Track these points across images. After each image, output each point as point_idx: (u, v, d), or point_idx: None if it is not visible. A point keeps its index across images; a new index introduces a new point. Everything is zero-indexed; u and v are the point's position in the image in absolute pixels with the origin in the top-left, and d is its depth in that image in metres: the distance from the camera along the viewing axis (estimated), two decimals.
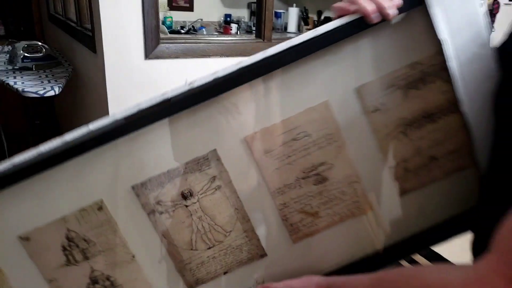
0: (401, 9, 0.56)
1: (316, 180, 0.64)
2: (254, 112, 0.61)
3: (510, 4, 2.88)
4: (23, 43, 1.99)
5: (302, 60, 0.58)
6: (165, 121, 0.59)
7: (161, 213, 0.63)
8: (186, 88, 0.57)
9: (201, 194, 0.63)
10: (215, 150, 0.61)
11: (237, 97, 0.60)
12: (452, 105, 0.60)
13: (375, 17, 0.56)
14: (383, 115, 0.61)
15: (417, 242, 0.66)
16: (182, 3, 4.27)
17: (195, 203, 0.63)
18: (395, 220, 0.66)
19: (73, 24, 2.20)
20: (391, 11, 0.56)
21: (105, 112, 1.68)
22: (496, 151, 0.54)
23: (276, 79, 0.60)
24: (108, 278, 0.64)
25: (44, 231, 0.61)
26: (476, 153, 0.60)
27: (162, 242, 0.64)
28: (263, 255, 0.67)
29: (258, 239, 0.66)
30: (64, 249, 0.62)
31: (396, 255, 0.67)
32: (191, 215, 0.64)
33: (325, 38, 0.57)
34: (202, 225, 0.64)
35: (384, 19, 0.56)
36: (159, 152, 0.61)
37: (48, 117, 2.31)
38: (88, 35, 1.79)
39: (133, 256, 0.64)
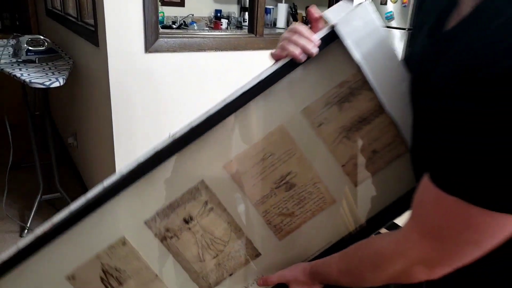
0: (321, 46, 0.71)
1: (286, 187, 0.79)
2: (228, 144, 0.77)
3: None
4: (27, 37, 2.08)
5: (256, 98, 0.73)
6: (160, 167, 0.75)
7: (171, 238, 0.80)
8: (171, 139, 0.74)
9: (198, 217, 0.80)
10: (203, 180, 0.78)
11: (212, 135, 0.75)
12: (379, 107, 0.74)
13: (302, 57, 0.71)
14: (327, 127, 0.76)
15: (377, 222, 0.81)
16: None
17: (195, 225, 0.80)
18: (357, 205, 0.81)
19: (73, 19, 2.30)
20: (314, 50, 0.71)
21: (107, 102, 1.78)
22: (413, 138, 0.67)
23: (240, 115, 0.75)
24: None
25: (84, 268, 0.79)
26: (406, 142, 0.75)
27: (176, 260, 0.82)
28: (258, 254, 0.83)
29: (252, 243, 0.82)
30: (102, 280, 0.80)
31: (363, 234, 0.81)
32: (195, 234, 0.80)
33: (269, 79, 0.72)
34: (204, 240, 0.81)
35: (310, 56, 0.71)
36: (160, 190, 0.78)
37: (45, 108, 2.40)
38: (90, 30, 1.89)
39: (156, 275, 0.82)
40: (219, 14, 4.51)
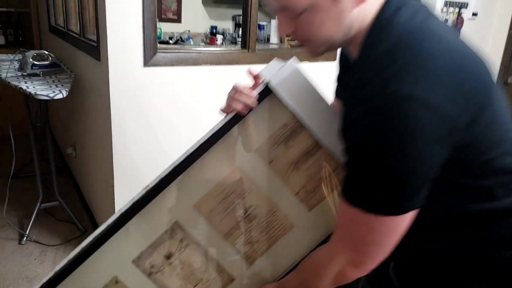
0: (260, 99, 0.85)
1: (249, 219, 0.92)
2: (194, 187, 0.90)
3: (473, 19, 3.18)
4: (32, 52, 2.18)
5: (212, 147, 0.86)
6: (139, 214, 0.88)
7: (156, 273, 0.93)
8: (144, 191, 0.87)
9: (177, 252, 0.92)
10: (176, 221, 0.91)
11: (180, 181, 0.88)
12: (318, 142, 0.87)
13: (244, 111, 0.85)
14: (277, 162, 0.89)
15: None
16: (170, 15, 4.50)
17: (175, 259, 0.93)
18: (312, 228, 0.94)
19: (75, 35, 2.41)
20: (253, 104, 0.85)
21: (107, 113, 1.88)
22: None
23: (201, 162, 0.87)
24: None
25: None
26: None
27: None
28: (232, 279, 0.95)
29: (225, 270, 0.95)
30: None
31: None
32: (176, 268, 0.93)
33: (222, 131, 0.86)
34: (184, 272, 0.93)
35: (251, 109, 0.85)
36: (142, 233, 0.91)
37: (46, 120, 2.49)
38: (92, 45, 2.00)
39: None
40: (214, 30, 4.65)
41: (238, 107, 0.84)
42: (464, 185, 0.69)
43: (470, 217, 0.71)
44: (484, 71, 0.68)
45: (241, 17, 4.77)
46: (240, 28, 4.66)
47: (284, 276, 0.94)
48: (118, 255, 0.92)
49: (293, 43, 4.08)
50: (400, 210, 0.66)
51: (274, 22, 4.21)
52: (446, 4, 2.92)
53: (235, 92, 0.86)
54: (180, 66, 1.95)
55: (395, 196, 0.65)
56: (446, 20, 2.98)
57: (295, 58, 0.85)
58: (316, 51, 0.75)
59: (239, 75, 2.10)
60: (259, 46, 2.14)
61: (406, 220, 0.67)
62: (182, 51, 1.95)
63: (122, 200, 2.02)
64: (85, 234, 2.36)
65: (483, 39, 3.35)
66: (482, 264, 0.73)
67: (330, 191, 0.91)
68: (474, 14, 3.14)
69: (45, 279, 0.88)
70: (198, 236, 0.92)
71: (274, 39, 4.37)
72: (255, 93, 0.85)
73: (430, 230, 0.74)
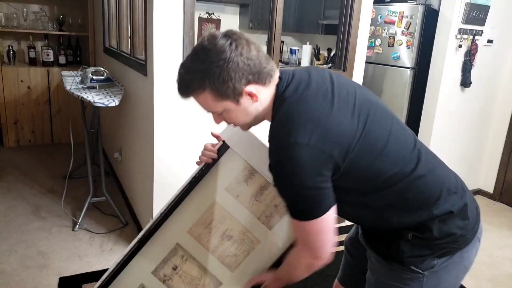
0: (221, 153, 1.19)
1: (228, 238, 1.25)
2: (187, 218, 1.25)
3: (489, 45, 3.37)
4: (92, 68, 2.62)
5: (193, 189, 1.22)
6: (152, 239, 1.26)
7: (168, 280, 1.29)
8: (152, 223, 1.24)
9: (180, 265, 1.28)
10: (177, 243, 1.27)
11: (176, 215, 1.25)
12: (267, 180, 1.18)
13: (210, 161, 1.22)
14: (243, 196, 1.21)
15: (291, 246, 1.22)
16: None
17: (180, 270, 1.28)
18: (273, 242, 1.24)
19: (126, 55, 2.83)
20: (215, 156, 1.22)
21: (151, 122, 2.24)
22: None
23: (188, 201, 1.25)
24: None
25: None
26: None
27: None
28: (220, 283, 1.28)
29: (215, 277, 1.27)
30: None
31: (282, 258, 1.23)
32: (180, 276, 1.28)
33: (198, 177, 1.22)
34: (187, 280, 1.28)
35: (215, 160, 1.21)
36: (156, 252, 1.28)
37: (98, 127, 2.91)
38: (140, 63, 2.39)
39: None
40: None
41: (204, 159, 1.22)
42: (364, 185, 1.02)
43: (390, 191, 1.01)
44: (346, 114, 0.98)
45: None
46: None
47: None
48: (142, 268, 1.30)
49: (321, 65, 4.38)
50: (319, 213, 0.97)
51: (305, 48, 4.55)
52: (460, 32, 3.14)
53: (204, 149, 1.23)
54: None
55: (309, 206, 0.96)
56: (460, 46, 3.18)
57: None
58: (243, 128, 1.10)
59: None
60: (292, 68, 2.45)
61: (329, 216, 0.98)
62: None
63: (159, 199, 2.35)
64: (126, 226, 2.72)
65: (500, 65, 3.51)
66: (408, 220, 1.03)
67: (281, 215, 1.24)
68: (490, 41, 3.32)
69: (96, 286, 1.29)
70: (193, 253, 1.28)
71: (305, 62, 4.69)
72: (216, 148, 1.22)
73: (365, 207, 1.04)
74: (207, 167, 1.22)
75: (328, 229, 0.99)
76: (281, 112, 0.97)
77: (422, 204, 1.01)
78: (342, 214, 1.04)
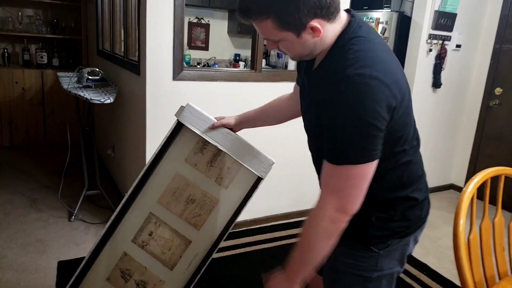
0: (176, 130, 1.40)
1: (192, 202, 1.46)
2: (156, 189, 1.46)
3: (458, 50, 3.63)
4: (88, 69, 2.80)
5: (159, 163, 1.44)
6: (129, 211, 1.51)
7: (146, 245, 1.51)
8: (126, 196, 1.46)
9: (154, 231, 1.49)
10: (150, 212, 1.47)
11: (146, 186, 1.48)
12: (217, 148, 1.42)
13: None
14: (200, 164, 1.45)
15: (244, 200, 1.47)
16: (199, 44, 5.16)
17: (155, 235, 1.49)
18: (230, 199, 1.47)
19: (119, 57, 3.02)
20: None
21: (143, 118, 2.43)
22: (317, 142, 1.09)
23: (156, 174, 1.46)
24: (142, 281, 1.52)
25: (114, 271, 1.53)
26: (239, 163, 1.43)
27: (151, 255, 1.51)
28: (190, 242, 1.49)
29: (185, 237, 1.48)
30: (122, 274, 1.52)
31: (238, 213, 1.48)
32: (156, 240, 1.49)
33: (160, 152, 1.43)
34: (161, 242, 1.49)
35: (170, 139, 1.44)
36: (135, 221, 1.50)
37: (92, 125, 3.09)
38: (133, 64, 2.59)
39: (145, 267, 1.52)
40: (238, 57, 5.25)
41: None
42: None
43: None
44: (403, 75, 0.99)
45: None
46: None
47: (222, 233, 1.49)
48: (123, 238, 1.49)
49: None
50: (365, 159, 0.91)
51: None
52: (430, 37, 3.40)
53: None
54: (201, 81, 2.50)
55: (359, 148, 0.90)
56: (430, 50, 3.45)
57: (190, 102, 1.42)
58: (293, 59, 1.07)
59: (247, 90, 2.64)
60: (267, 70, 2.66)
61: (373, 166, 0.93)
62: (202, 69, 2.50)
63: None
64: None
65: (468, 67, 3.78)
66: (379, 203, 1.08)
67: (233, 176, 1.44)
68: (458, 46, 3.59)
69: (90, 249, 1.50)
70: (164, 218, 1.47)
71: (291, 66, 4.92)
72: (171, 128, 1.42)
73: None
74: (166, 144, 1.42)
75: (366, 181, 0.94)
76: (353, 48, 0.94)
77: (406, 184, 1.08)
78: None
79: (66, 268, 2.28)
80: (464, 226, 1.23)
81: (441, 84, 3.55)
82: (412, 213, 1.11)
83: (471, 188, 1.26)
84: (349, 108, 0.88)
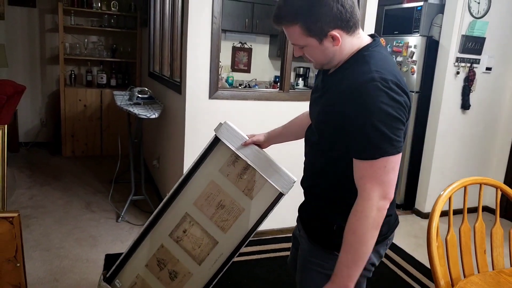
0: (214, 144, 1.61)
1: (222, 207, 1.64)
2: (192, 192, 1.65)
3: (488, 73, 3.71)
4: (138, 88, 3.22)
5: (197, 171, 1.65)
6: (167, 211, 1.73)
7: (180, 240, 1.70)
8: (165, 199, 1.72)
9: (188, 229, 1.69)
10: (186, 212, 1.67)
11: (185, 190, 1.70)
12: (247, 163, 1.60)
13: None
14: (231, 175, 1.60)
15: (267, 211, 1.62)
16: (241, 67, 5.54)
17: (188, 233, 1.69)
18: (255, 209, 1.61)
19: (166, 78, 3.42)
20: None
21: (182, 130, 2.77)
22: (337, 145, 1.15)
23: (193, 179, 1.67)
24: (174, 271, 1.73)
25: (151, 260, 1.77)
26: (263, 177, 1.59)
27: (184, 250, 1.71)
28: (217, 242, 1.68)
29: (213, 237, 1.68)
30: (158, 264, 1.75)
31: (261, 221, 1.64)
32: (189, 237, 1.69)
33: (198, 163, 1.64)
34: (194, 240, 1.69)
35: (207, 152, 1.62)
36: (171, 220, 1.72)
37: (141, 137, 3.49)
38: (177, 84, 2.95)
39: (177, 260, 1.72)
40: (277, 79, 5.56)
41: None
42: None
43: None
44: (408, 94, 1.08)
45: (301, 68, 5.66)
46: (300, 78, 5.55)
47: (244, 238, 1.63)
48: (162, 232, 1.71)
49: None
50: (398, 149, 1.03)
51: None
52: (457, 60, 3.52)
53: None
54: (234, 100, 2.81)
55: (393, 140, 1.01)
56: (458, 73, 3.56)
57: (228, 121, 1.60)
58: (316, 67, 1.20)
59: (275, 108, 2.91)
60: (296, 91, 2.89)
61: (400, 156, 1.05)
62: (235, 90, 2.81)
63: None
64: None
65: (500, 89, 3.83)
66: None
67: (259, 188, 1.59)
68: (488, 69, 3.67)
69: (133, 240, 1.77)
70: (197, 219, 1.66)
71: None
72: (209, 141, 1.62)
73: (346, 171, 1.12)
74: (204, 154, 1.63)
75: (397, 168, 1.06)
76: (375, 57, 1.09)
77: None
78: (323, 165, 1.19)
79: (112, 260, 2.62)
80: (438, 227, 1.41)
81: (469, 106, 3.63)
82: None
83: (447, 192, 1.44)
84: (381, 106, 1.00)
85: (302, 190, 1.34)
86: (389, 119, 1.00)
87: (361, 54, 1.11)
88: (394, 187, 1.06)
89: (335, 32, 1.07)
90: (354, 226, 1.05)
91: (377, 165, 1.02)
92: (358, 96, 1.03)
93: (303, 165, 1.35)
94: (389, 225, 1.23)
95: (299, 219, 1.39)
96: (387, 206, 1.05)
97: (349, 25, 1.08)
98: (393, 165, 1.03)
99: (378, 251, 1.23)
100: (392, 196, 1.05)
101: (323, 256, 1.22)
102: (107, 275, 1.78)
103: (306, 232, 1.30)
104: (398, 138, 1.03)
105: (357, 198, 1.06)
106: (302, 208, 1.37)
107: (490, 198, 4.03)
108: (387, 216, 1.16)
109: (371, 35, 1.18)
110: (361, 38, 1.14)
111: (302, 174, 1.36)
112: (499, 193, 1.59)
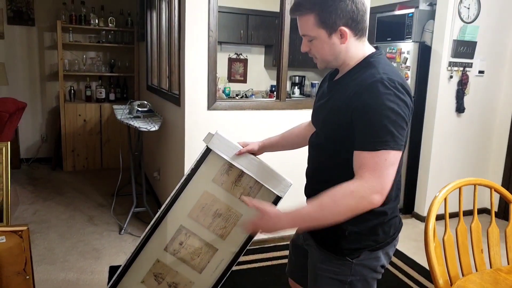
0: (205, 154, 1.62)
1: (218, 216, 1.63)
2: (187, 203, 1.63)
3: (481, 76, 3.77)
4: (137, 102, 3.28)
5: (190, 181, 1.64)
6: (162, 223, 1.70)
7: (177, 252, 1.68)
8: (161, 211, 1.70)
9: (185, 240, 1.67)
10: (181, 224, 1.65)
11: (178, 201, 1.68)
12: (241, 170, 1.61)
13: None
14: (225, 184, 1.59)
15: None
16: (238, 77, 5.61)
17: (185, 244, 1.67)
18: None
19: (164, 91, 3.48)
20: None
21: (182, 141, 2.82)
22: (344, 140, 1.16)
23: (186, 191, 1.65)
24: (173, 282, 1.73)
25: (148, 275, 1.73)
26: (260, 183, 1.59)
27: (182, 261, 1.69)
28: (216, 250, 1.68)
29: (212, 245, 1.68)
30: (155, 277, 1.74)
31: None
32: (186, 249, 1.68)
33: (189, 176, 1.64)
34: (191, 250, 1.68)
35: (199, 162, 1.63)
36: (167, 233, 1.67)
37: (141, 150, 3.53)
38: (175, 96, 3.01)
39: (176, 272, 1.72)
40: (273, 88, 5.62)
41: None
42: None
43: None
44: (411, 97, 1.14)
45: (296, 77, 5.73)
46: (296, 87, 5.62)
47: (245, 242, 1.63)
48: (156, 247, 1.67)
49: None
50: (399, 146, 1.06)
51: None
52: (450, 64, 3.59)
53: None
54: (232, 110, 2.87)
55: (396, 136, 1.05)
56: (451, 77, 3.63)
57: (219, 131, 1.58)
58: (320, 66, 1.23)
59: (272, 117, 2.97)
60: (292, 100, 2.95)
61: (400, 155, 1.08)
62: (232, 100, 2.87)
63: None
64: None
65: (493, 91, 3.89)
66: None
67: (255, 194, 1.60)
68: (481, 72, 3.74)
69: (127, 257, 1.75)
70: (194, 230, 1.65)
71: None
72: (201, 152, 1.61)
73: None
74: (196, 166, 1.61)
75: (397, 165, 1.08)
76: (382, 62, 1.16)
77: (387, 197, 1.11)
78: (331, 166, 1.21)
79: (115, 272, 2.65)
80: (435, 228, 1.45)
81: (464, 109, 3.69)
82: (381, 229, 1.22)
83: (442, 194, 1.48)
84: (388, 103, 1.05)
85: (302, 198, 1.33)
86: (394, 116, 1.05)
87: (368, 61, 1.17)
88: (391, 184, 1.07)
89: (345, 28, 1.14)
90: (336, 197, 1.07)
91: (378, 156, 1.05)
92: (366, 94, 1.08)
93: (303, 172, 1.37)
94: (395, 226, 1.26)
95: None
96: (379, 204, 1.05)
97: (358, 27, 1.15)
98: (394, 160, 1.06)
99: (387, 252, 1.25)
100: (386, 192, 1.05)
101: (335, 263, 1.24)
102: None
103: (315, 240, 1.29)
104: (401, 136, 1.06)
105: (353, 179, 1.08)
106: None
107: (488, 200, 4.07)
108: (393, 217, 1.24)
109: (375, 47, 1.24)
110: (366, 46, 1.21)
111: (305, 182, 1.37)
112: (493, 193, 1.63)
